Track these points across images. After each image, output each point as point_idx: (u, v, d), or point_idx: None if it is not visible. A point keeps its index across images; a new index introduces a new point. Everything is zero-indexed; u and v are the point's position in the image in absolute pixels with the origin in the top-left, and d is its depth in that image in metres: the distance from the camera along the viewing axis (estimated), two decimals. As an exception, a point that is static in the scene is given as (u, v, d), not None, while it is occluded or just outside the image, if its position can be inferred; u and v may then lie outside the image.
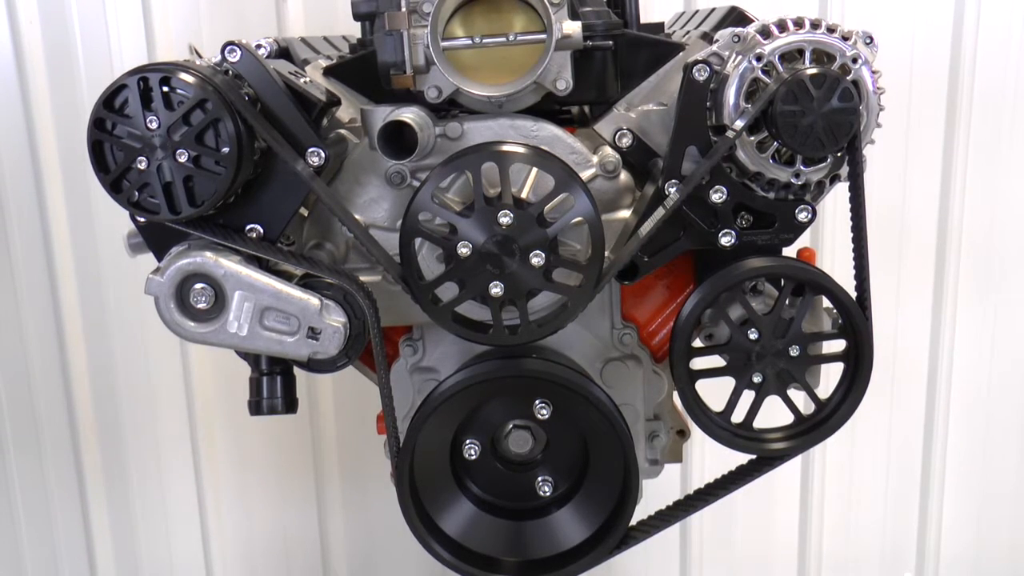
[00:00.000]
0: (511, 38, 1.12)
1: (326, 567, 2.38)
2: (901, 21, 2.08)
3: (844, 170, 1.16)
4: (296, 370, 1.23)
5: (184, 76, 1.07)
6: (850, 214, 1.17)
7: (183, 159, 1.08)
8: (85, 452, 2.27)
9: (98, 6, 2.03)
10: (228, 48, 1.12)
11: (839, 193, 1.21)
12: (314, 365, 1.18)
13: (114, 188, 1.10)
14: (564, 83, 1.13)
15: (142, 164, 1.08)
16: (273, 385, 1.21)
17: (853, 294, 1.18)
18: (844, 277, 1.20)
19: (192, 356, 2.21)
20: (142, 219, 1.16)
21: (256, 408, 1.21)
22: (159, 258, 1.17)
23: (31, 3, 2.03)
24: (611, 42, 1.19)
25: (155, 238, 1.18)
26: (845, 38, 1.11)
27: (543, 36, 1.11)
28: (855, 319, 1.18)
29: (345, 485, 2.31)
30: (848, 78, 1.09)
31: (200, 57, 1.19)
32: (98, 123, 1.08)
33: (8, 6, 2.03)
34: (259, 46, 1.26)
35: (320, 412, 2.25)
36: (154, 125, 1.07)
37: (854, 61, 1.10)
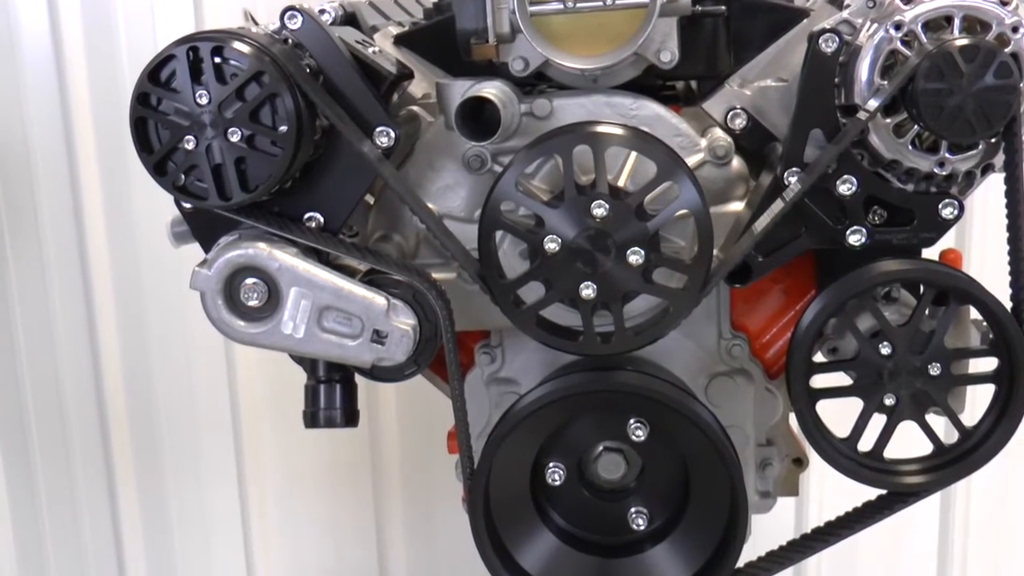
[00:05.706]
0: (609, 2, 1.12)
1: (385, 601, 2.40)
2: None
3: (999, 159, 1.13)
4: (357, 378, 1.23)
5: (238, 45, 1.08)
6: (1005, 210, 1.14)
7: (236, 138, 1.09)
8: (119, 469, 2.29)
9: (140, -33, 2.07)
10: (288, 14, 1.14)
11: (991, 185, 1.18)
12: (378, 373, 1.19)
13: (158, 170, 1.11)
14: (669, 54, 1.13)
15: (190, 144, 1.09)
16: (331, 394, 1.22)
17: (1008, 304, 1.15)
18: (996, 284, 1.17)
19: (239, 360, 2.23)
20: (188, 205, 1.17)
21: (312, 420, 1.23)
22: (206, 249, 1.19)
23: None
24: (724, 7, 1.19)
25: (202, 227, 1.19)
26: (1003, 3, 1.08)
27: (646, 0, 1.10)
28: (1009, 333, 1.15)
29: (408, 511, 2.32)
30: (1006, 50, 1.06)
31: (256, 24, 1.20)
32: (142, 98, 1.09)
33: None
34: (323, 11, 1.26)
35: (382, 427, 2.26)
36: (204, 100, 1.08)
37: (1014, 30, 1.07)
